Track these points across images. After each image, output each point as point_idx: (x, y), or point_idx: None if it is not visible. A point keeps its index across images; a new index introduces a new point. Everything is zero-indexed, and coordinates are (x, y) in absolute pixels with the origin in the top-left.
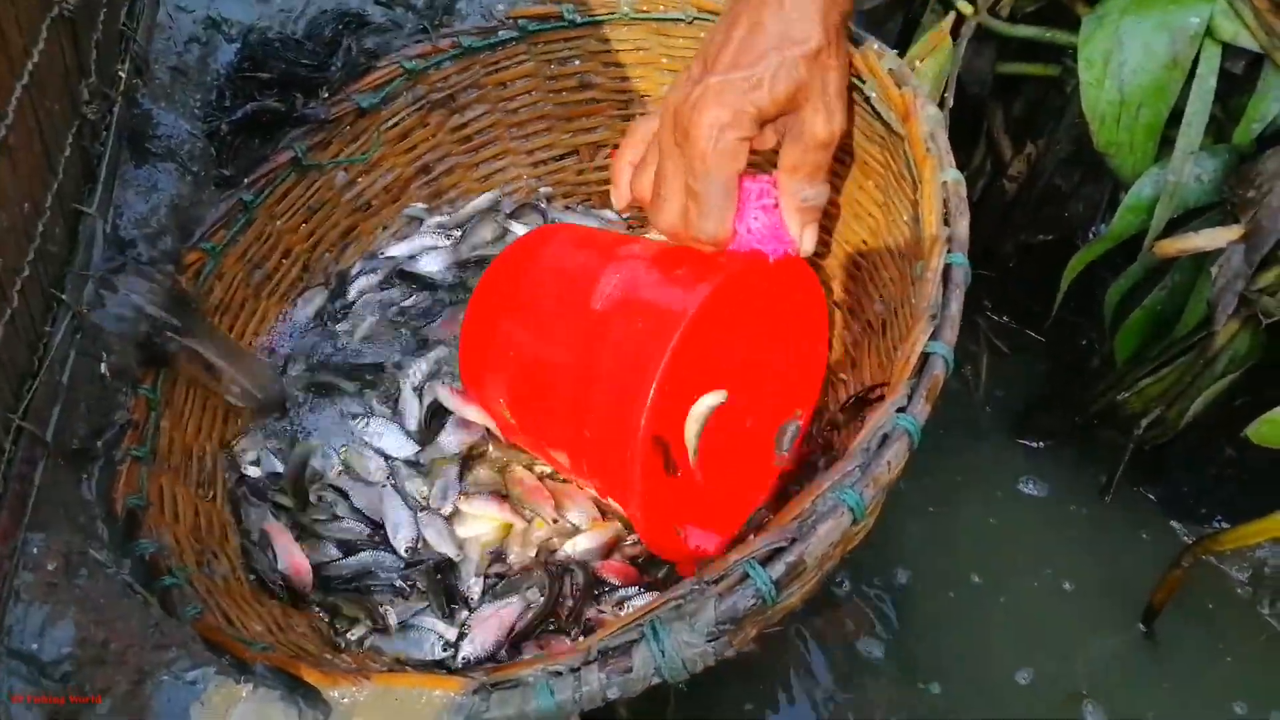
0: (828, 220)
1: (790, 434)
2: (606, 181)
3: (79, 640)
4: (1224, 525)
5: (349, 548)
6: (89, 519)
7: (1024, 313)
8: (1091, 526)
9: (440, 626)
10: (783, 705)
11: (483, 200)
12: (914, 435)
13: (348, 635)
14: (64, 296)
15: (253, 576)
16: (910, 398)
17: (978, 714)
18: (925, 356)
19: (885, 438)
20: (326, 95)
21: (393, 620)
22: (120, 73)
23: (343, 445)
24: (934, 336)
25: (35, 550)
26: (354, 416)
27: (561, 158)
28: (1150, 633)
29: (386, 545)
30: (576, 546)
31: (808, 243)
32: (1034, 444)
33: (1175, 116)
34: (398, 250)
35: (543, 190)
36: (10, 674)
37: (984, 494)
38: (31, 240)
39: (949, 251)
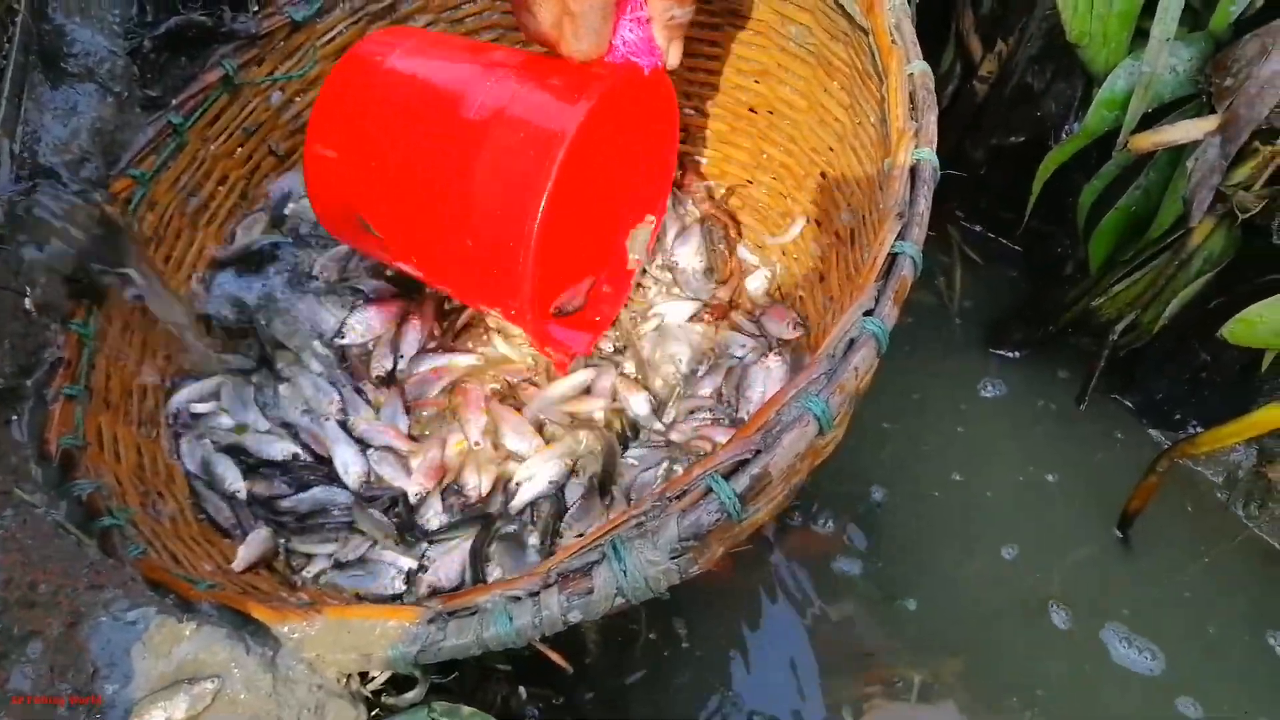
0: (792, 128)
1: (642, 238)
2: None
3: (4, 582)
4: (1199, 430)
5: (300, 484)
6: (20, 460)
7: (996, 221)
8: (1066, 435)
9: (400, 560)
10: (764, 626)
11: None
12: (881, 340)
13: (304, 573)
14: None
15: (202, 516)
16: (878, 300)
17: (952, 628)
18: (893, 257)
19: (852, 342)
20: (256, 8)
21: (351, 556)
22: None
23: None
24: (901, 236)
25: None
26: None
27: None
28: (1125, 538)
29: (338, 481)
30: (536, 480)
31: (673, 57)
32: (1009, 354)
33: (1150, 5)
34: None
35: None
36: None
37: (958, 407)
38: None
39: (916, 146)
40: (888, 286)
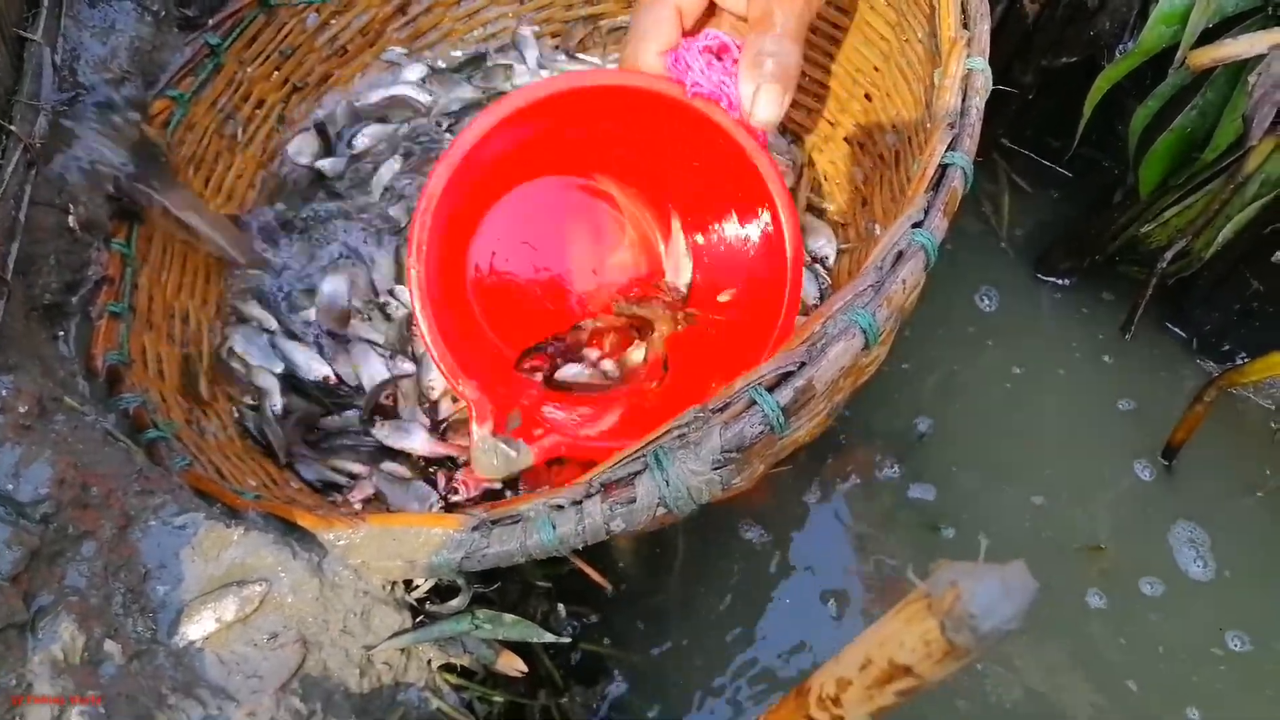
0: (833, 46)
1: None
2: (597, 17)
3: (58, 481)
4: (1248, 360)
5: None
6: (67, 374)
7: (1045, 147)
8: (1113, 365)
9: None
10: (800, 552)
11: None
12: (930, 251)
13: (349, 496)
14: (13, 127)
15: (247, 439)
16: (927, 211)
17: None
18: (942, 169)
19: (900, 255)
20: None
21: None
22: None
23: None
24: (952, 146)
25: (4, 392)
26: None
27: None
28: (1170, 468)
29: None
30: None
31: (760, 109)
32: (1057, 281)
33: None
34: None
35: (528, 30)
36: None
37: (1005, 336)
38: None
39: (968, 55)
40: (938, 198)
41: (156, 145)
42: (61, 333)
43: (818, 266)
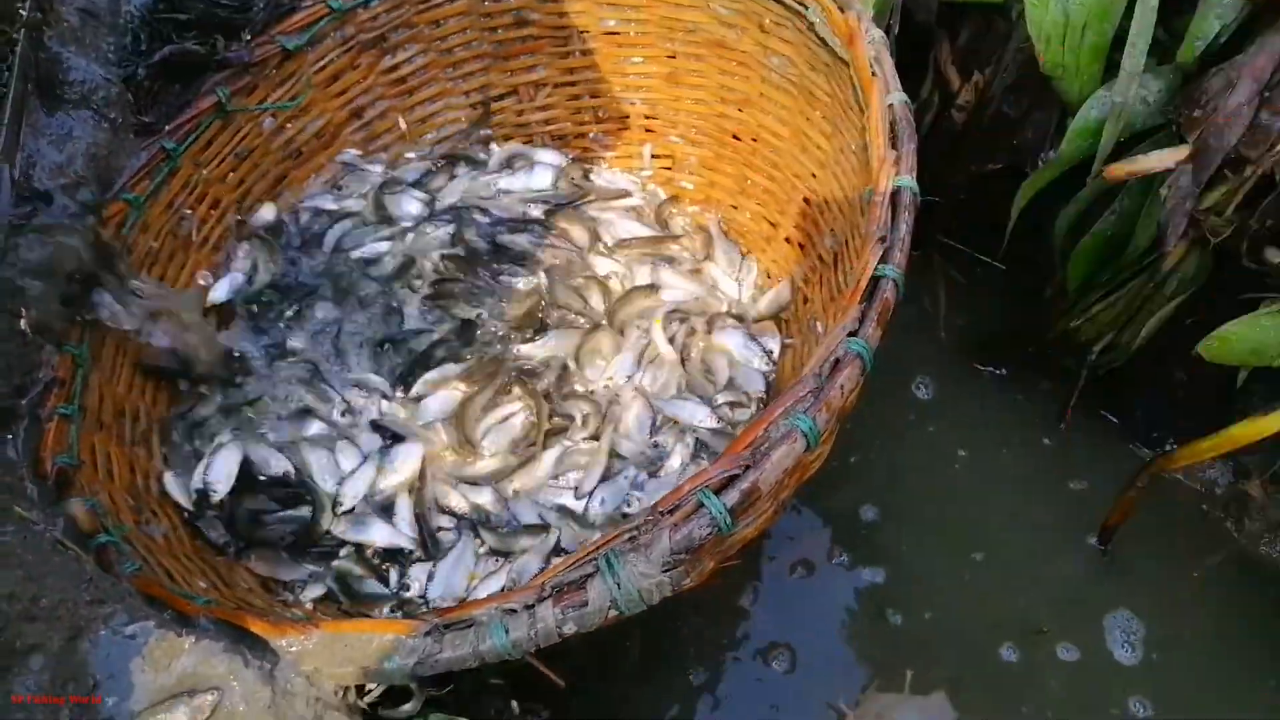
0: (775, 155)
1: None
2: (548, 122)
3: (7, 596)
4: (1177, 447)
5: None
6: (15, 479)
7: (979, 244)
8: (1049, 451)
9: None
10: (751, 637)
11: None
12: (866, 359)
13: (300, 595)
14: None
15: (197, 539)
16: (861, 321)
17: (937, 640)
18: (875, 280)
19: (837, 362)
20: (249, 37)
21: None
22: (20, 9)
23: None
24: (884, 260)
25: None
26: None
27: (501, 98)
28: (1105, 551)
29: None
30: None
31: None
32: (995, 371)
33: (1120, 39)
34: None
35: (482, 133)
36: None
37: (945, 424)
38: None
39: (897, 174)
40: (871, 308)
41: (111, 248)
42: (10, 436)
43: (763, 360)
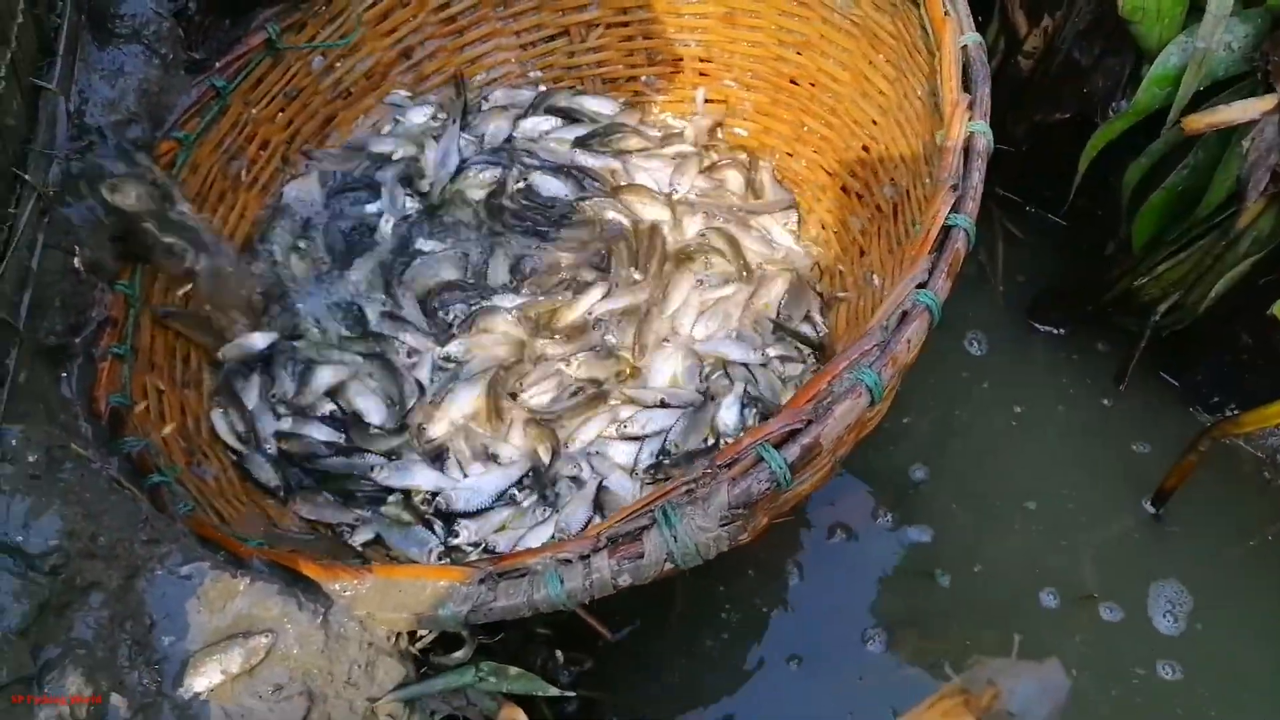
0: (834, 100)
1: None
2: (599, 64)
3: (67, 533)
4: (1239, 412)
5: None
6: (70, 417)
7: (1039, 197)
8: (1106, 413)
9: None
10: (797, 596)
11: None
12: (935, 312)
13: (346, 539)
14: (27, 176)
15: (247, 480)
16: (931, 272)
17: (984, 602)
18: (946, 230)
19: (905, 315)
20: None
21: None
22: None
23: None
24: (955, 209)
25: (14, 443)
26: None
27: (551, 39)
28: (1159, 516)
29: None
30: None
31: None
32: (1051, 330)
33: None
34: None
35: (532, 75)
36: None
37: (999, 383)
38: None
39: (970, 119)
40: (941, 259)
41: (163, 185)
42: (65, 375)
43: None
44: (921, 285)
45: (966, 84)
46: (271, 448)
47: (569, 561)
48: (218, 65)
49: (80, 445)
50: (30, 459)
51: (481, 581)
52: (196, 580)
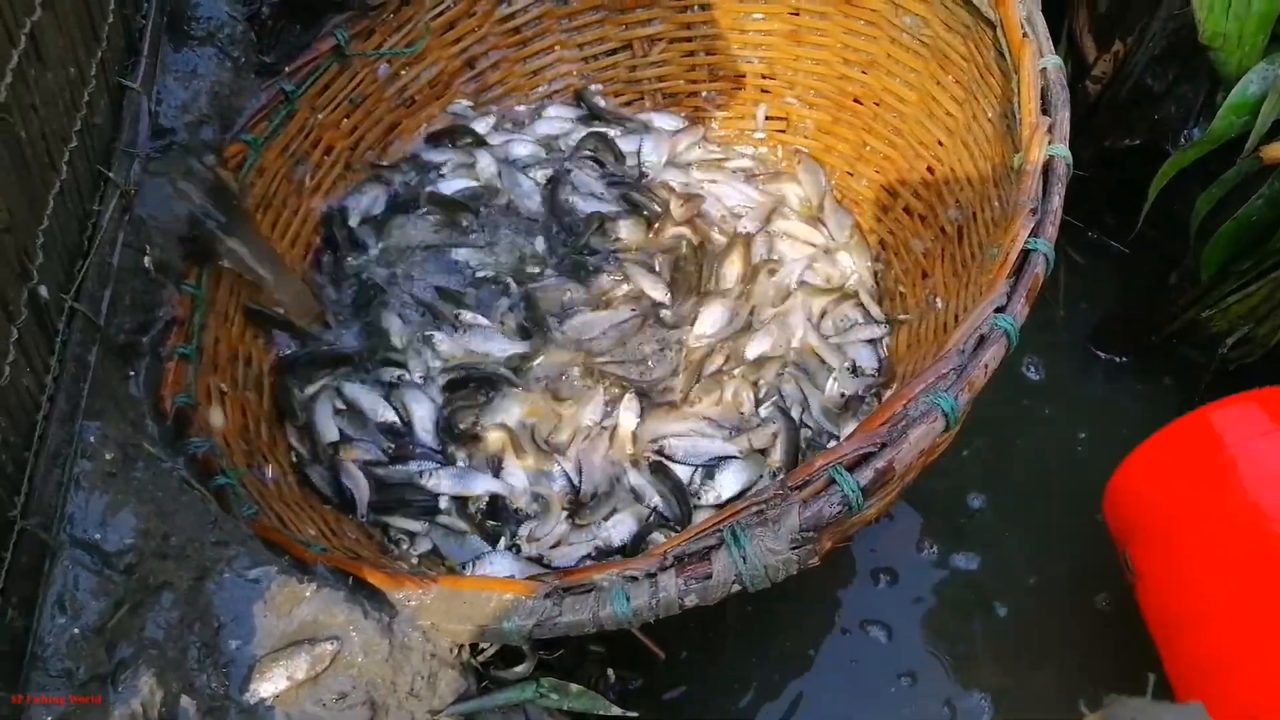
0: (899, 120)
1: None
2: (661, 79)
3: (141, 531)
4: None
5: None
6: (137, 415)
7: (1101, 223)
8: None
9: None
10: (849, 623)
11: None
12: (1012, 337)
13: (407, 549)
14: (111, 174)
15: (305, 485)
16: (1009, 296)
17: (1040, 635)
18: (1025, 253)
19: (982, 339)
20: None
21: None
22: None
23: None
24: (1035, 232)
25: (92, 439)
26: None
27: (613, 53)
28: None
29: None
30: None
31: None
32: (1114, 358)
33: None
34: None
35: (592, 88)
36: (75, 563)
37: (1060, 410)
38: (78, 110)
39: (1050, 142)
40: (1020, 283)
41: (230, 188)
42: (133, 373)
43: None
44: (999, 309)
45: (1045, 107)
46: (330, 454)
47: (635, 579)
48: (287, 70)
49: (151, 443)
50: (107, 456)
51: (547, 596)
52: (264, 584)
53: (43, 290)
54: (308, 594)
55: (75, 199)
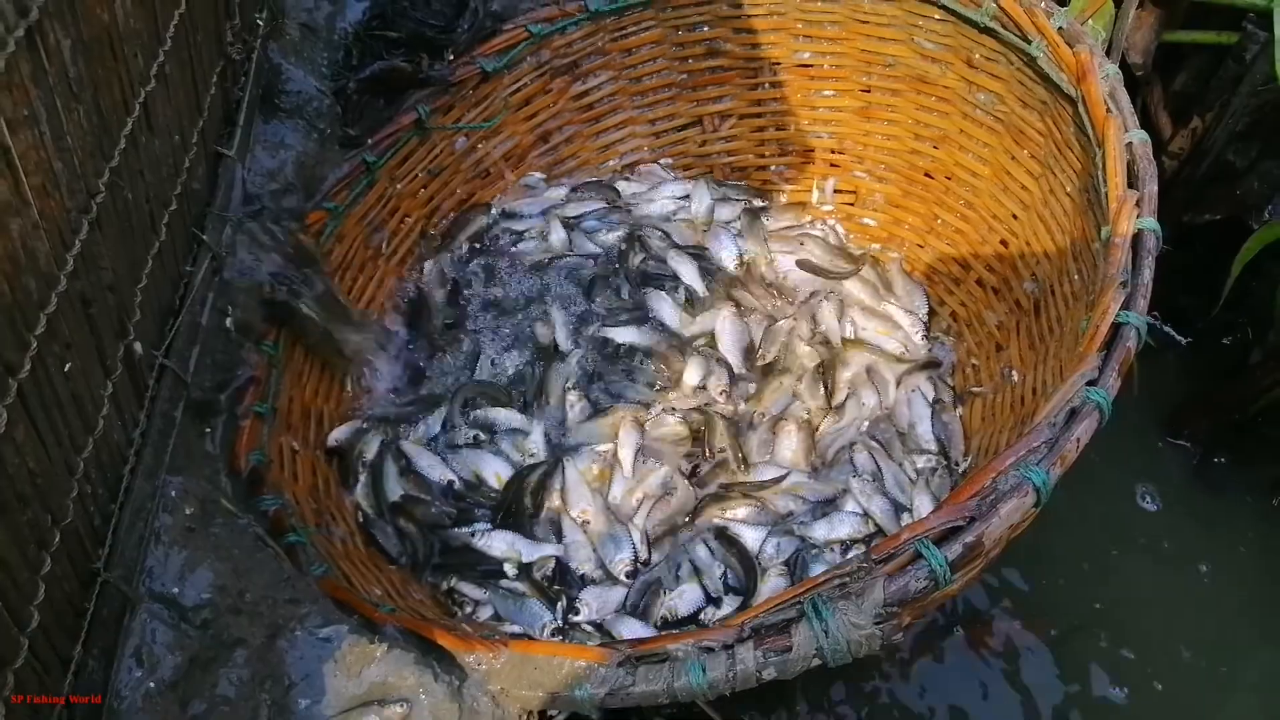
0: (971, 194)
1: None
2: (730, 153)
3: (218, 587)
4: None
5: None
6: (213, 471)
7: (1171, 305)
8: (1261, 535)
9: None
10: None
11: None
12: (1105, 410)
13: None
14: (205, 237)
15: (371, 545)
16: (1101, 370)
17: None
18: (1115, 327)
19: (1074, 412)
20: (452, 57)
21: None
22: (259, 19)
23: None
24: (1126, 305)
25: (173, 494)
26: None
27: (684, 128)
28: None
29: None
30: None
31: None
32: (1187, 445)
33: None
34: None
35: (662, 161)
36: (153, 617)
37: (1136, 500)
38: (179, 175)
39: (1139, 216)
40: (1112, 356)
41: (312, 253)
42: (209, 430)
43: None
44: (1091, 382)
45: (1131, 180)
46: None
47: (712, 650)
48: (370, 142)
49: (226, 499)
50: (187, 511)
51: (620, 664)
52: (335, 643)
53: (137, 346)
54: (378, 654)
55: (171, 260)
